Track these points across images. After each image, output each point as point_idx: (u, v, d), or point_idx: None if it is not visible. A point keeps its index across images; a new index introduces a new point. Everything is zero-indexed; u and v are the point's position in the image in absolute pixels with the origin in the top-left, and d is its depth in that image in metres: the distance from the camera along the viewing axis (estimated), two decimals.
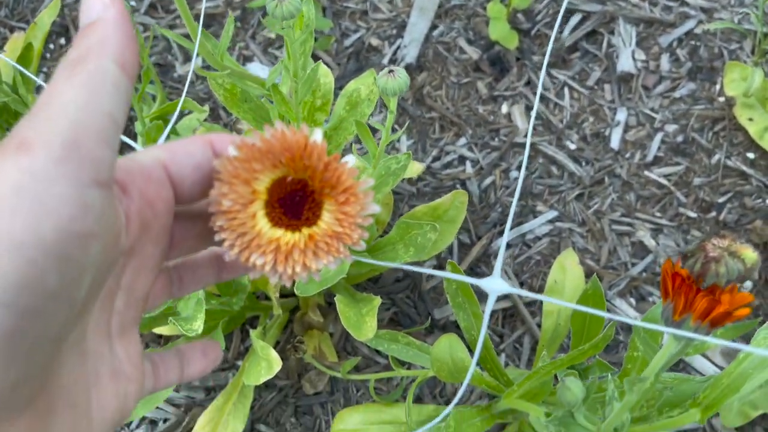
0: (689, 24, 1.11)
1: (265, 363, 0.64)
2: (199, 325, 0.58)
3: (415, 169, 0.93)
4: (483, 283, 0.39)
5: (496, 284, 0.39)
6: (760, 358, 0.51)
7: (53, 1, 0.91)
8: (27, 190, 0.19)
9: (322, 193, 0.27)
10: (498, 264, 0.41)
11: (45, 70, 1.09)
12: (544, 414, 0.47)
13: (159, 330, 0.81)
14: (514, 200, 0.42)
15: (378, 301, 0.70)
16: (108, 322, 0.25)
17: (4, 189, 0.19)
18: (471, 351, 0.69)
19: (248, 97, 0.69)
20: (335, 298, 0.70)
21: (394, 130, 1.01)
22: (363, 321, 0.69)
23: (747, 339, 0.91)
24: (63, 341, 0.22)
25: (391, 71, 0.55)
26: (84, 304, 0.22)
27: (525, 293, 0.35)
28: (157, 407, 0.87)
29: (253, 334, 0.69)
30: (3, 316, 0.19)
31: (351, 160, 0.27)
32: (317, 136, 0.26)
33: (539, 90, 0.47)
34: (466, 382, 0.41)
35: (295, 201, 0.27)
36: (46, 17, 0.91)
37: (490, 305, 0.39)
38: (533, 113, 0.48)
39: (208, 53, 0.58)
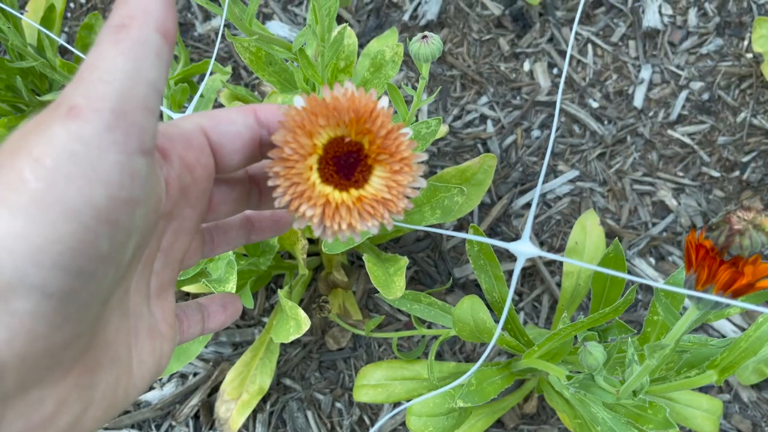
0: None
1: (294, 322, 0.66)
2: (232, 287, 0.60)
3: (440, 131, 0.93)
4: (512, 246, 0.40)
5: (525, 248, 0.40)
6: None
7: None
8: (80, 157, 0.20)
9: (376, 158, 0.28)
10: (527, 228, 0.42)
11: (66, 29, 1.09)
12: (566, 377, 0.48)
13: (187, 288, 0.84)
14: (545, 164, 0.42)
15: (405, 261, 0.72)
16: (147, 283, 0.27)
17: (58, 155, 0.19)
18: (492, 311, 0.70)
19: (273, 60, 0.69)
20: (364, 258, 0.71)
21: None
22: (391, 280, 0.70)
23: None
24: (109, 301, 0.23)
25: (424, 36, 0.55)
26: (128, 266, 0.23)
27: (552, 256, 0.36)
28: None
29: (281, 293, 0.71)
30: (60, 279, 0.19)
31: (385, 102, 0.27)
32: (384, 102, 0.27)
33: (569, 52, 0.47)
34: (491, 344, 0.42)
35: (348, 162, 0.28)
36: None
37: (518, 268, 0.40)
38: (563, 76, 0.48)
39: (235, 18, 0.58)
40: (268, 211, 0.33)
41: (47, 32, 0.77)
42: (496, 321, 0.69)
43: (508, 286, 0.93)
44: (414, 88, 1.04)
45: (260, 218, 0.33)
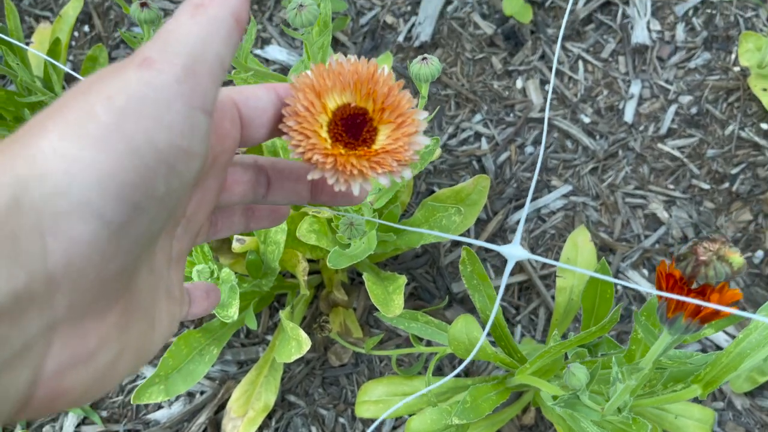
0: None
1: (295, 343, 0.69)
2: (234, 312, 0.63)
3: (436, 153, 0.96)
4: (503, 249, 0.42)
5: (515, 251, 0.42)
6: (758, 339, 0.54)
7: None
8: (150, 101, 0.21)
9: (381, 120, 0.31)
10: (518, 232, 0.43)
11: (71, 58, 1.12)
12: (551, 397, 0.51)
13: None
14: (534, 177, 0.45)
15: (403, 279, 0.74)
16: (170, 246, 0.28)
17: (129, 96, 0.21)
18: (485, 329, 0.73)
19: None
20: (363, 277, 0.74)
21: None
22: (390, 299, 0.73)
23: (756, 308, 0.94)
24: (152, 246, 0.24)
25: (424, 58, 0.57)
26: (169, 218, 0.24)
27: (542, 259, 0.38)
28: None
29: (283, 314, 0.74)
30: (119, 210, 0.20)
31: (386, 68, 0.31)
32: (385, 69, 0.30)
33: (554, 66, 0.50)
34: (469, 359, 0.45)
35: (356, 122, 0.31)
36: (71, 11, 0.94)
37: (508, 269, 0.42)
38: (549, 90, 0.51)
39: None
40: (267, 207, 0.35)
41: (54, 62, 0.80)
42: (491, 338, 0.71)
43: (504, 301, 0.96)
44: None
45: (260, 209, 0.35)
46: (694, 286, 0.40)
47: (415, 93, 1.07)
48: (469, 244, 0.85)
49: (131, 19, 1.14)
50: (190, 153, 0.22)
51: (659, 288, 0.40)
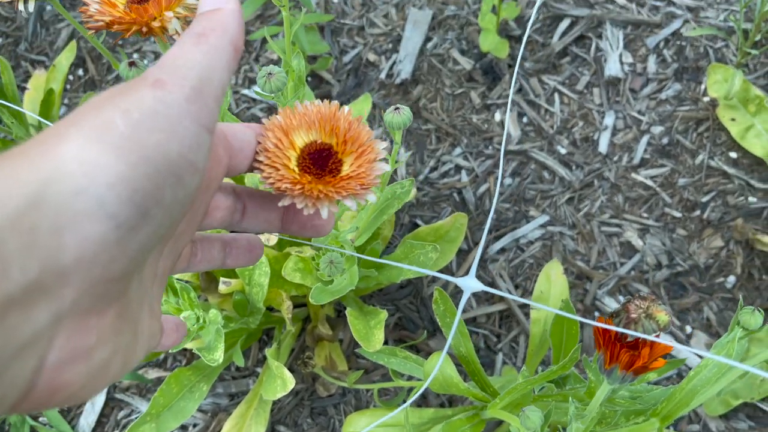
0: (676, 24, 1.14)
1: (281, 381, 0.72)
2: (219, 355, 0.66)
3: (411, 194, 0.99)
4: (459, 281, 0.46)
5: (471, 283, 0.45)
6: (708, 376, 0.57)
7: (69, 44, 0.98)
8: (163, 116, 0.23)
9: (344, 151, 0.35)
10: (474, 265, 0.46)
11: (66, 101, 1.16)
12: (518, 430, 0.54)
13: (188, 345, 0.90)
14: (493, 205, 0.48)
15: (384, 314, 0.78)
16: (157, 262, 0.29)
17: (144, 110, 0.23)
18: (458, 365, 0.76)
19: None
20: (346, 312, 0.78)
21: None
22: (371, 333, 0.76)
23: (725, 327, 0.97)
24: (147, 257, 0.25)
25: (396, 108, 0.61)
26: (170, 227, 0.25)
27: (497, 292, 0.42)
28: None
29: (269, 353, 0.77)
30: (130, 213, 0.22)
31: (346, 108, 0.35)
32: (345, 109, 0.35)
33: (510, 101, 0.54)
34: (422, 389, 0.48)
35: (322, 156, 0.35)
36: (64, 60, 0.98)
37: (463, 300, 0.45)
38: (506, 119, 0.54)
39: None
40: (244, 236, 0.36)
41: (45, 121, 0.84)
42: (463, 374, 0.75)
43: (485, 329, 0.99)
44: (390, 146, 1.11)
45: (237, 244, 0.36)
46: (629, 339, 0.43)
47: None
48: (435, 277, 0.88)
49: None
50: (196, 167, 0.24)
51: (597, 342, 0.44)
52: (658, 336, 0.43)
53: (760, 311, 0.53)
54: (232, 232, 0.37)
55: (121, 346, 0.26)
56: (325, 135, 0.35)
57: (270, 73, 0.57)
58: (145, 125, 0.22)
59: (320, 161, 0.34)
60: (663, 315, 0.41)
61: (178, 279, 0.77)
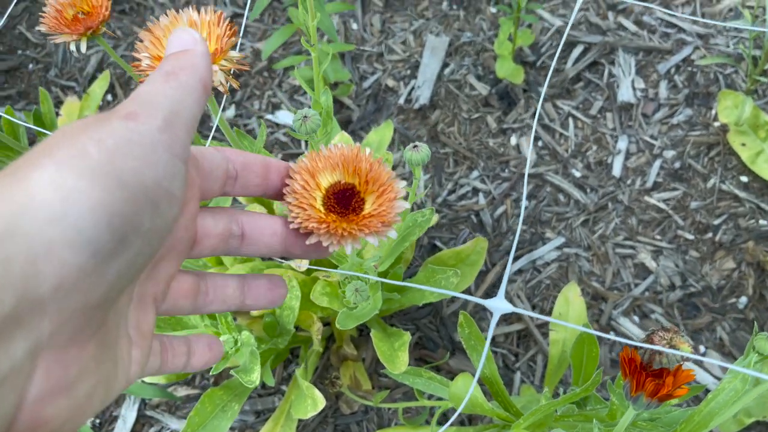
0: (686, 50, 1.18)
1: (311, 401, 0.76)
2: (256, 377, 0.69)
3: (432, 220, 1.03)
4: (488, 303, 0.48)
5: (500, 304, 0.47)
6: (725, 399, 0.60)
7: (103, 74, 1.02)
8: (137, 144, 0.23)
9: (366, 191, 0.38)
10: (502, 287, 0.49)
11: None
12: None
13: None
14: (517, 233, 0.51)
15: (408, 337, 0.81)
16: (131, 290, 0.28)
17: (118, 139, 0.23)
18: (483, 385, 0.79)
19: None
20: (371, 334, 0.81)
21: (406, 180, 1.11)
22: (396, 356, 0.80)
23: (742, 349, 1.00)
24: (129, 283, 0.25)
25: (415, 146, 0.65)
26: (150, 258, 0.25)
27: (526, 312, 0.45)
28: None
29: (298, 372, 0.80)
30: (108, 240, 0.22)
31: (368, 150, 0.38)
32: (367, 149, 0.38)
33: (534, 129, 0.57)
34: (459, 409, 0.51)
35: (346, 195, 0.38)
36: (98, 89, 1.03)
37: (494, 322, 0.48)
38: (530, 149, 0.57)
39: (246, 149, 0.68)
40: (265, 275, 0.35)
41: None
42: (487, 394, 0.78)
43: (504, 349, 1.02)
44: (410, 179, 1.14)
45: (256, 283, 0.35)
46: (654, 368, 0.46)
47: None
48: (465, 301, 0.91)
49: None
50: (171, 194, 0.24)
51: (623, 371, 0.47)
52: (680, 366, 0.46)
53: None
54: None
55: (102, 377, 0.25)
56: (348, 175, 0.38)
57: (305, 117, 0.61)
58: (119, 152, 0.23)
59: (344, 200, 0.38)
60: (686, 346, 0.44)
61: None
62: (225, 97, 0.75)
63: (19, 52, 1.30)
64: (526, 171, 0.72)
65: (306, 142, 1.17)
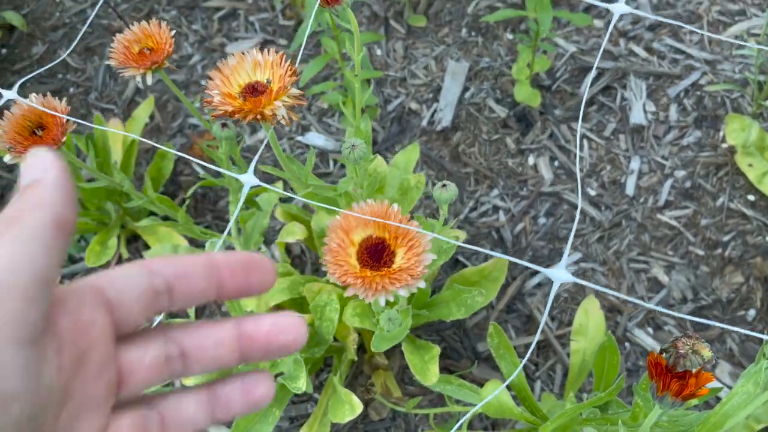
0: (695, 75, 1.24)
1: (349, 406, 0.81)
2: (302, 383, 0.75)
3: (461, 237, 1.09)
4: (548, 272, 0.50)
5: (561, 274, 0.50)
6: (738, 402, 0.66)
7: (148, 99, 1.09)
8: None
9: (396, 245, 0.44)
10: (564, 256, 0.51)
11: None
12: None
13: None
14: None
15: (437, 350, 0.86)
16: None
17: None
18: (510, 391, 0.85)
19: (323, 196, 0.86)
20: (402, 347, 0.86)
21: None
22: (427, 368, 0.85)
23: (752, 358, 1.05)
24: None
25: (444, 185, 0.70)
26: None
27: (583, 282, 0.50)
28: None
29: (335, 380, 0.86)
30: None
31: (395, 206, 0.44)
32: (395, 207, 0.44)
33: (578, 157, 0.63)
34: (475, 410, 0.57)
35: (377, 249, 0.44)
36: (143, 113, 1.09)
37: (554, 291, 0.50)
38: (577, 165, 0.63)
39: (293, 175, 0.74)
40: (237, 376, 0.29)
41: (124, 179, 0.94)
42: (515, 399, 0.83)
43: (527, 361, 1.07)
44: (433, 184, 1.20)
45: (228, 391, 0.29)
46: (678, 370, 0.52)
47: (434, 172, 1.21)
48: (488, 314, 0.97)
49: (186, 111, 1.29)
50: (6, 397, 0.19)
51: (650, 373, 0.52)
52: (701, 368, 0.52)
53: None
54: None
55: None
56: (379, 230, 0.45)
57: (354, 145, 0.67)
58: None
59: (376, 254, 0.44)
60: (707, 351, 0.50)
61: None
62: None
63: (60, 76, 1.37)
64: (578, 191, 0.78)
65: (336, 162, 1.24)
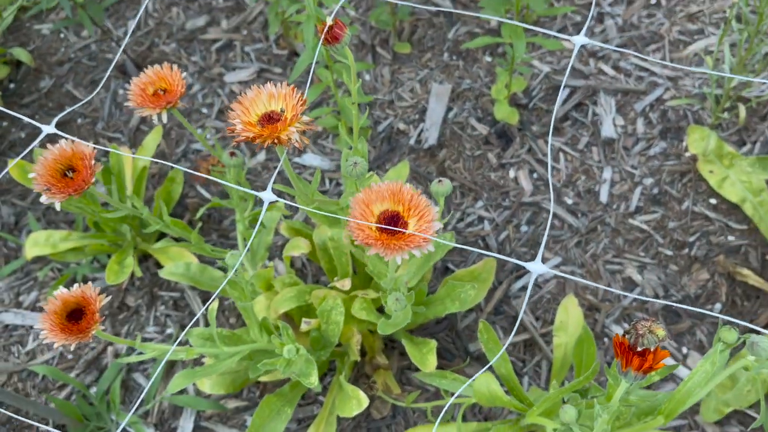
0: (658, 91, 1.35)
1: (356, 401, 0.90)
2: (315, 379, 0.83)
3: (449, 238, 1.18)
4: (528, 265, 0.60)
5: (537, 267, 0.60)
6: (698, 380, 0.75)
7: (156, 128, 1.18)
8: None
9: (409, 215, 0.55)
10: (540, 250, 0.61)
11: None
12: (552, 430, 0.71)
13: (263, 378, 1.07)
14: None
15: (434, 343, 0.96)
16: None
17: None
18: (500, 382, 0.93)
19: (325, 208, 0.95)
20: (402, 342, 0.95)
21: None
22: (425, 358, 0.94)
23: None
24: None
25: (440, 181, 0.79)
26: None
27: (561, 274, 0.59)
28: None
29: (342, 378, 0.94)
30: None
31: (408, 185, 0.55)
32: (407, 185, 0.55)
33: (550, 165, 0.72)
34: (460, 389, 0.66)
35: (393, 219, 0.54)
36: (152, 141, 1.18)
37: (531, 283, 0.61)
38: (549, 177, 0.73)
39: (300, 192, 0.83)
40: None
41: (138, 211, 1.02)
42: (505, 389, 0.92)
43: (513, 356, 1.16)
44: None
45: None
46: (638, 349, 0.61)
47: (421, 185, 1.30)
48: (478, 316, 1.06)
49: (189, 137, 1.38)
50: None
51: (616, 353, 0.62)
52: (658, 347, 0.61)
53: (735, 329, 0.71)
54: None
55: None
56: (394, 204, 0.56)
57: (355, 163, 0.76)
58: None
59: (392, 223, 0.54)
60: (661, 330, 0.59)
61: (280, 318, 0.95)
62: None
63: (67, 108, 1.46)
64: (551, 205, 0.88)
65: (332, 180, 1.33)
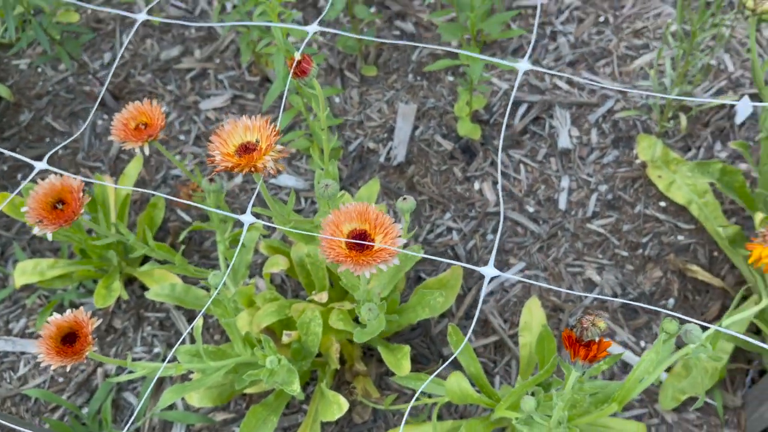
0: (609, 103, 1.45)
1: (336, 406, 0.96)
2: (296, 386, 0.89)
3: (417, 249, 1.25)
4: (482, 269, 0.69)
5: (490, 270, 0.69)
6: (645, 368, 0.83)
7: (136, 157, 1.24)
8: None
9: (375, 233, 0.62)
10: (492, 256, 0.69)
11: None
12: (515, 418, 0.78)
13: (248, 390, 1.13)
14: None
15: (407, 348, 1.02)
16: None
17: None
18: (470, 380, 1.01)
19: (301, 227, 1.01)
20: (378, 349, 1.02)
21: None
22: (400, 363, 1.01)
23: None
24: None
25: (404, 198, 0.87)
26: None
27: (512, 276, 0.67)
28: None
29: (323, 385, 1.01)
30: None
31: (374, 206, 0.64)
32: (373, 205, 0.63)
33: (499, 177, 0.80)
34: (424, 383, 0.73)
35: (361, 237, 0.62)
36: (133, 169, 1.24)
37: (485, 286, 0.69)
38: (499, 188, 0.80)
39: (276, 213, 0.90)
40: None
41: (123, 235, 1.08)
42: (474, 387, 0.99)
43: (484, 358, 1.24)
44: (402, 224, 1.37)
45: None
46: (585, 341, 0.69)
47: (392, 200, 1.38)
48: (449, 321, 1.13)
49: (168, 164, 1.44)
50: None
51: (565, 345, 0.69)
52: (602, 338, 0.69)
53: (675, 320, 0.79)
54: None
55: None
56: (362, 223, 0.63)
57: (327, 185, 0.83)
58: None
59: (360, 240, 0.61)
60: (602, 323, 0.67)
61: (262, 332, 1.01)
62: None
63: (47, 140, 1.51)
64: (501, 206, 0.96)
65: (307, 199, 1.40)
